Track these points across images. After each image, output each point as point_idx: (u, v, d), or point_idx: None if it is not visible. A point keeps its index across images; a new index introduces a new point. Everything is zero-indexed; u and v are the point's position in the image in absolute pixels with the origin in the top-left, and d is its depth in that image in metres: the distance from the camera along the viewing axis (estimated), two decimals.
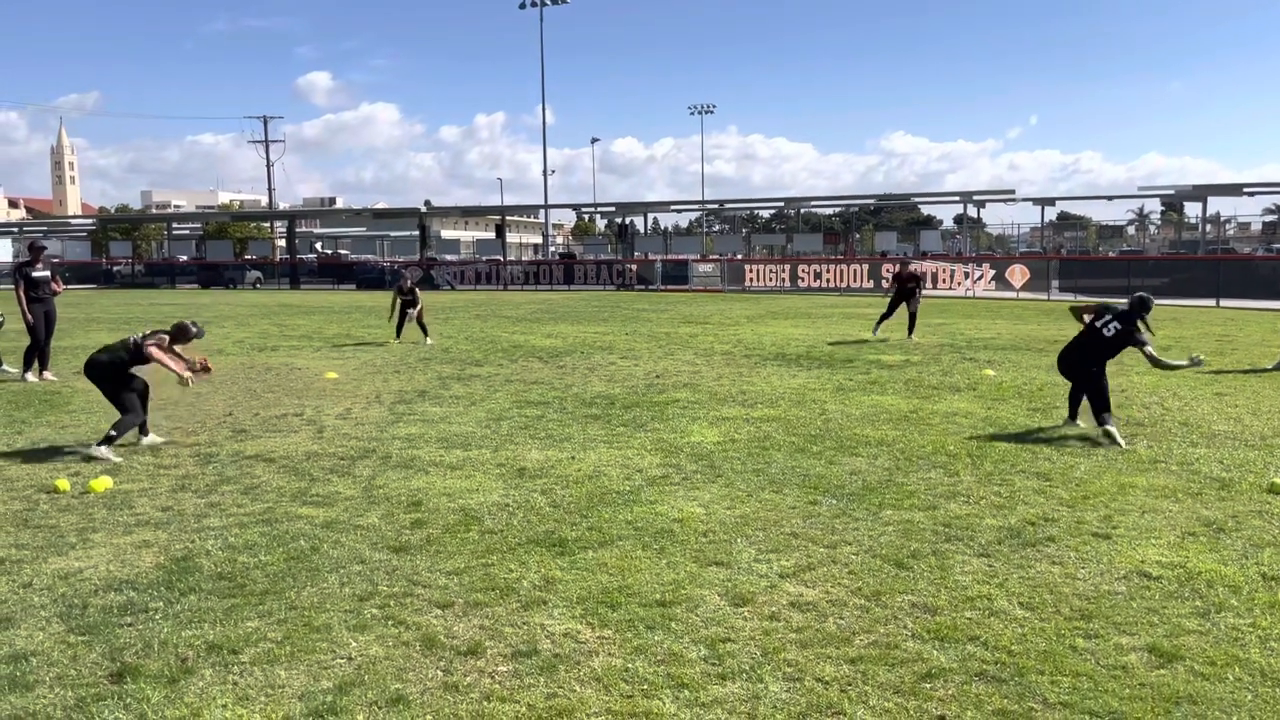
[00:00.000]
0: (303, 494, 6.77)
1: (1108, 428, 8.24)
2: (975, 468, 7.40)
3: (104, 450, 7.84)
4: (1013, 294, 33.03)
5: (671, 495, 6.67)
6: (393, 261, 50.39)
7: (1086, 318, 8.97)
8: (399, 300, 17.70)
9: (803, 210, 56.12)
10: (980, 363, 13.91)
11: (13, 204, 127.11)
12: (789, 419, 9.46)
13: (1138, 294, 8.86)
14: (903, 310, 17.76)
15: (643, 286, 41.50)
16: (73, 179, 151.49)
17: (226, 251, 55.94)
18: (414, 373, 13.22)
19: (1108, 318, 8.73)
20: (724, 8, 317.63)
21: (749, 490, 6.79)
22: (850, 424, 9.18)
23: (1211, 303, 27.91)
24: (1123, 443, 8.10)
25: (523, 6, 57.44)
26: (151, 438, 8.47)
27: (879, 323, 18.15)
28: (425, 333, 17.57)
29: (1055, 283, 33.22)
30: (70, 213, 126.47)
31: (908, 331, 17.53)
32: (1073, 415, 9.02)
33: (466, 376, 12.79)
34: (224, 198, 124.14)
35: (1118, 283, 29.56)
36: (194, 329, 8.41)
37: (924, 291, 18.62)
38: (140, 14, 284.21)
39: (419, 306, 17.62)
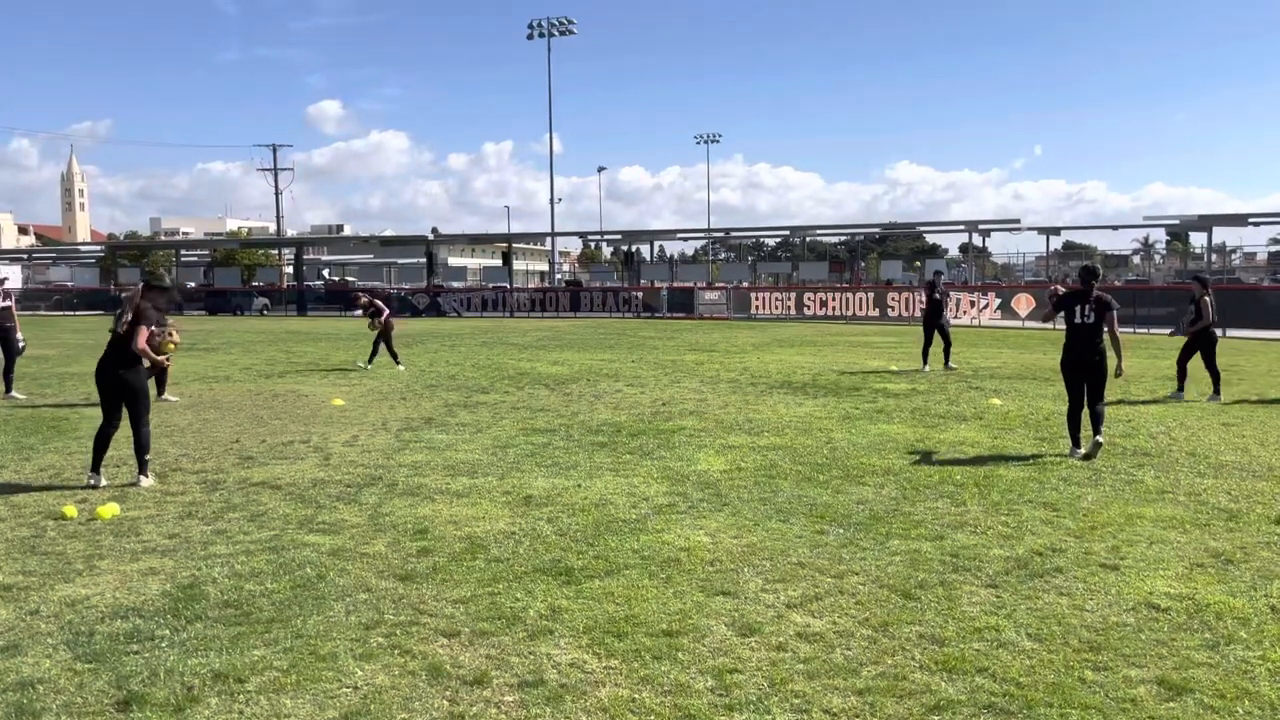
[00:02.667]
0: (309, 521, 6.77)
1: (1099, 439, 8.82)
2: (982, 497, 7.38)
3: (148, 480, 7.87)
4: (1018, 323, 33.03)
5: (678, 524, 6.66)
6: (399, 288, 50.60)
7: (1057, 317, 9.44)
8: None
9: (808, 239, 56.21)
10: (986, 392, 13.90)
11: (23, 230, 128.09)
12: (795, 447, 9.46)
13: (1082, 265, 9.63)
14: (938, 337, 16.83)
15: (649, 314, 41.58)
16: (83, 206, 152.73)
17: (234, 278, 56.16)
18: (420, 400, 13.24)
19: (1076, 307, 9.30)
20: (730, 38, 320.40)
21: (756, 519, 6.78)
22: (857, 453, 9.17)
23: (1217, 333, 27.82)
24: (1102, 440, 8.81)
25: (530, 37, 58.07)
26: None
27: (925, 354, 17.00)
28: (395, 359, 17.58)
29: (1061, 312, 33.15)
30: (79, 239, 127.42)
31: (944, 361, 16.82)
32: (1076, 443, 9.02)
33: (473, 404, 12.81)
34: (232, 225, 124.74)
35: (1124, 312, 29.49)
36: (166, 281, 7.99)
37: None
38: (154, 43, 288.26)
39: (380, 328, 17.56)
